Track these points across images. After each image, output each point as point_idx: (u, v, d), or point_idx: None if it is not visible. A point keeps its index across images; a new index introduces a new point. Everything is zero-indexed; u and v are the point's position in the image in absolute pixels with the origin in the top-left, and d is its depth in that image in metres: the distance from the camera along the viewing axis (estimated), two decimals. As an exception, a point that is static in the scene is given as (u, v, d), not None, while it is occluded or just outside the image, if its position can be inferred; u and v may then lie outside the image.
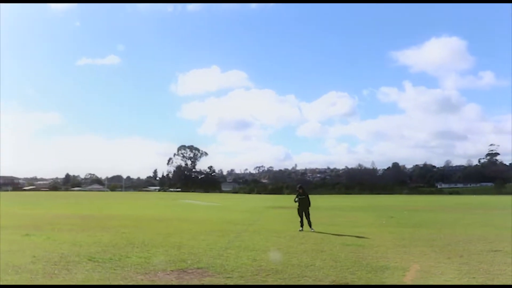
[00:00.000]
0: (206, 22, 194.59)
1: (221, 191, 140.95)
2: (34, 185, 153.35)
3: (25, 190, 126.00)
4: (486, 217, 25.84)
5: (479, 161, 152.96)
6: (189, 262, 9.02)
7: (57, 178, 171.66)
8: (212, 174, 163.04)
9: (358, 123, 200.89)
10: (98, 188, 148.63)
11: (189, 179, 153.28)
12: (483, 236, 14.97)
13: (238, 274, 7.82)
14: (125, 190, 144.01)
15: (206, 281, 7.27)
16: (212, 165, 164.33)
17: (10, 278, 7.27)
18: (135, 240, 12.39)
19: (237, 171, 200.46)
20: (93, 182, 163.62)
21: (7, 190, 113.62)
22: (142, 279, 7.35)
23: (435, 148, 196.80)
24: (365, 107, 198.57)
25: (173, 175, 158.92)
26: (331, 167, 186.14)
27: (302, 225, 16.40)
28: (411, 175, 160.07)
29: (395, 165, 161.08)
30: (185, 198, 66.18)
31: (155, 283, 7.06)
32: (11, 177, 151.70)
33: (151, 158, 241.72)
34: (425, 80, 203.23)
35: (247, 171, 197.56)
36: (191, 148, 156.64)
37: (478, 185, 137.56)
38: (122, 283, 7.06)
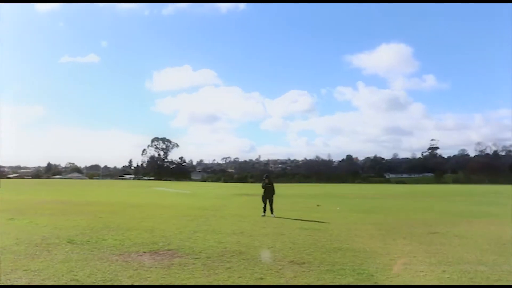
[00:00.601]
0: (180, 24, 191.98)
1: (191, 180, 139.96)
2: (18, 173, 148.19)
3: (9, 177, 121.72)
4: (427, 204, 26.71)
5: (422, 154, 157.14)
6: (160, 244, 8.95)
7: (39, 167, 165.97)
8: (183, 164, 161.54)
9: (316, 119, 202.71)
10: (78, 176, 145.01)
11: (161, 168, 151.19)
12: (423, 220, 15.52)
13: (205, 255, 7.82)
14: (103, 178, 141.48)
15: (176, 261, 7.24)
16: (183, 155, 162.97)
17: (-11, 260, 7.06)
18: (111, 224, 12.19)
19: (206, 161, 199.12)
20: (72, 171, 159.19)
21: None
22: (117, 260, 7.26)
23: (384, 142, 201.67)
24: (323, 105, 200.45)
25: (147, 164, 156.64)
26: (292, 158, 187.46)
27: (264, 211, 16.46)
28: (363, 166, 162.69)
29: (349, 157, 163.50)
30: (157, 186, 65.50)
31: (129, 263, 6.99)
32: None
33: (127, 148, 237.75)
34: (377, 81, 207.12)
35: (215, 162, 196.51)
36: (164, 140, 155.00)
37: (420, 175, 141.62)
38: (98, 263, 6.97)
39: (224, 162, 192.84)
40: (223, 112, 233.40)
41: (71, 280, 5.91)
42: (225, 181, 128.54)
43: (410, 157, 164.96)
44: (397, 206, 24.48)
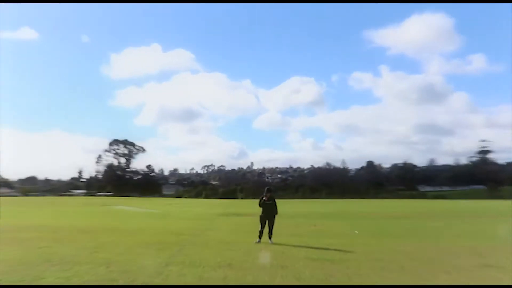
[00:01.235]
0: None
1: (161, 195, 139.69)
2: None
3: None
4: (476, 226, 26.76)
5: (468, 160, 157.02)
6: (120, 282, 8.89)
7: None
8: (151, 175, 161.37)
9: (325, 115, 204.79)
10: (7, 192, 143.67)
11: (122, 180, 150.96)
12: (473, 248, 15.51)
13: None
14: (42, 195, 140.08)
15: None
16: (151, 163, 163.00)
17: None
18: (53, 256, 12.08)
19: (182, 170, 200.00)
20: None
21: None
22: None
23: (416, 145, 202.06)
24: (335, 96, 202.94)
25: (103, 175, 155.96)
26: (294, 166, 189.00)
27: (260, 236, 16.43)
28: (389, 176, 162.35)
29: (370, 164, 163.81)
30: (117, 203, 65.26)
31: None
32: None
33: (75, 155, 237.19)
34: (405, 64, 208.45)
35: (194, 171, 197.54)
36: (126, 143, 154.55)
37: (467, 187, 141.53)
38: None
39: (205, 172, 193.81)
40: (204, 107, 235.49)
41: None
42: (207, 197, 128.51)
43: (453, 164, 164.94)
44: (436, 230, 24.52)
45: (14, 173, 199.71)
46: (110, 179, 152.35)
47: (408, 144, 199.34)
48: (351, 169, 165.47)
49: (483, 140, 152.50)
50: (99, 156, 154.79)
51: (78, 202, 75.96)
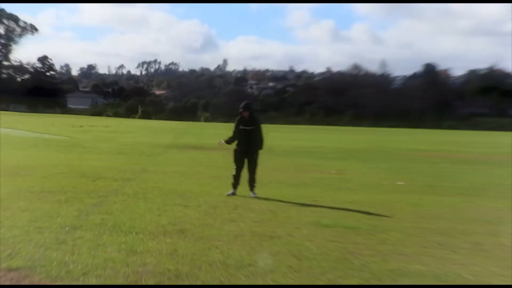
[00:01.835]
0: None
1: (66, 110, 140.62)
2: None
3: None
4: None
5: None
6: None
7: None
8: (48, 74, 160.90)
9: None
10: None
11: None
12: None
13: (96, 280, 7.65)
14: None
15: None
16: (48, 54, 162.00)
17: None
18: None
19: (102, 69, 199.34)
20: None
21: None
22: None
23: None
24: None
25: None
26: (298, 69, 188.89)
27: (236, 185, 16.48)
28: (462, 91, 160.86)
29: (430, 69, 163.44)
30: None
31: None
32: None
33: None
34: None
35: (123, 71, 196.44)
36: (1, 14, 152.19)
37: None
38: None
39: (143, 74, 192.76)
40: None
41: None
42: (145, 116, 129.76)
43: None
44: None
45: None
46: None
47: (499, 36, 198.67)
48: (396, 77, 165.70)
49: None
50: None
51: None
